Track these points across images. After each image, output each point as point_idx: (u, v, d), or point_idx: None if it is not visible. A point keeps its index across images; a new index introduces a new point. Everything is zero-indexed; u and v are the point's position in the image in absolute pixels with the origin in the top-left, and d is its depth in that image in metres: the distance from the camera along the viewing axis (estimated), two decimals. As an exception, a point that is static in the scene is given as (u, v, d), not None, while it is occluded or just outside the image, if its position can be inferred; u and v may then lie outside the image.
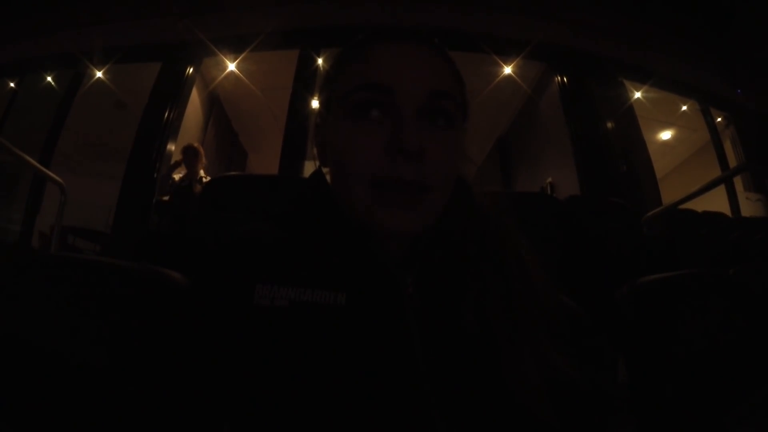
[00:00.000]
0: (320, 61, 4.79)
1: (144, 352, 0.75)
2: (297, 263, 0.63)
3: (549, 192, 5.16)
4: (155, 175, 4.69)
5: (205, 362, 0.58)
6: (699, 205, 3.28)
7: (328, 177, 0.73)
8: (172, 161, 4.81)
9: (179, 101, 5.06)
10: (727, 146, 5.85)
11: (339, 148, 0.65)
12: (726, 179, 4.49)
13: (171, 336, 0.62)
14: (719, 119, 5.96)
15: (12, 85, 6.15)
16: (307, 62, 4.86)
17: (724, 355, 0.99)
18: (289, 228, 0.69)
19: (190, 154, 4.51)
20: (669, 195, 4.50)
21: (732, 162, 5.68)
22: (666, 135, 6.62)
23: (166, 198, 4.54)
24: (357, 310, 0.60)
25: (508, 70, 5.26)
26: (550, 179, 5.33)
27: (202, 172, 4.51)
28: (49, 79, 5.94)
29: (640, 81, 5.29)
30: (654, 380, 0.99)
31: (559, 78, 5.13)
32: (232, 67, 5.43)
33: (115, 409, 0.77)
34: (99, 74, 5.55)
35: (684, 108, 6.03)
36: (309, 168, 4.45)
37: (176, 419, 0.56)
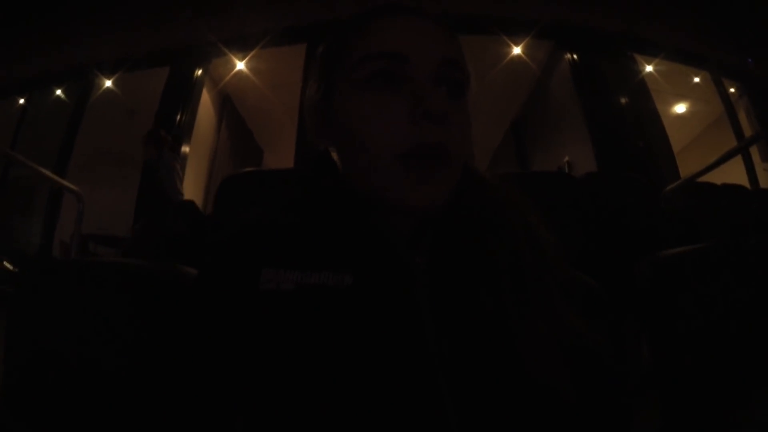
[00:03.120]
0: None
1: (160, 346, 0.75)
2: (302, 245, 0.62)
3: (567, 171, 5.10)
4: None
5: (212, 352, 0.57)
6: (717, 177, 3.23)
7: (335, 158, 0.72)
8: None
9: (190, 104, 5.09)
10: (742, 117, 5.74)
11: (354, 125, 0.63)
12: (742, 149, 4.41)
13: (182, 329, 0.62)
14: (732, 90, 5.86)
15: (21, 101, 6.24)
16: (316, 56, 4.76)
17: (747, 328, 0.98)
18: (295, 211, 0.68)
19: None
20: (686, 169, 4.45)
21: (747, 133, 5.57)
22: (680, 108, 6.51)
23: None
24: (364, 290, 0.58)
25: (517, 50, 5.21)
26: (566, 158, 5.28)
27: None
28: (59, 92, 6.04)
29: (651, 54, 5.21)
30: (676, 356, 0.98)
31: (568, 55, 5.08)
32: (240, 65, 5.44)
33: (130, 406, 0.78)
34: (108, 83, 5.60)
35: (696, 80, 5.94)
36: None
37: (188, 413, 0.56)
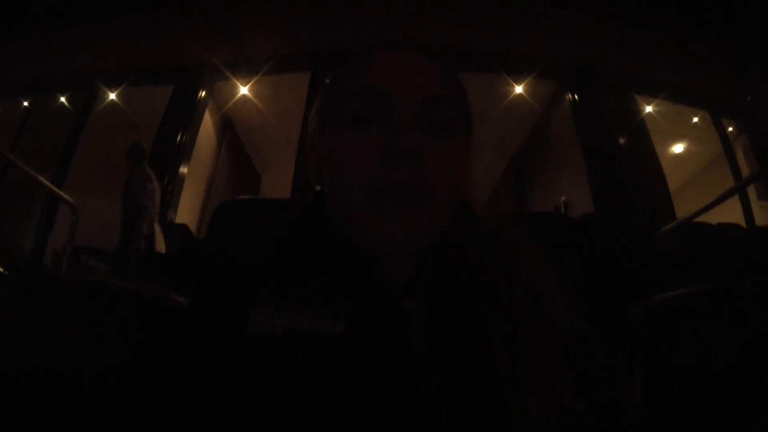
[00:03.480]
0: (331, 83, 4.73)
1: (140, 374, 0.74)
2: (293, 289, 0.59)
3: (563, 210, 5.13)
4: (168, 197, 4.69)
5: (193, 393, 0.55)
6: (714, 216, 3.24)
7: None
8: None
9: (192, 124, 5.11)
10: (740, 156, 5.80)
11: (334, 161, 0.62)
12: (739, 189, 4.45)
13: (165, 362, 0.60)
14: (730, 129, 5.93)
15: (25, 104, 6.28)
16: (319, 85, 4.78)
17: (744, 371, 0.97)
18: (287, 251, 0.66)
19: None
20: (683, 209, 4.47)
21: (745, 172, 5.64)
22: (678, 148, 6.58)
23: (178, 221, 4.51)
24: (356, 339, 0.56)
25: (519, 89, 5.27)
26: (564, 198, 5.31)
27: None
28: (62, 99, 6.07)
29: (651, 94, 5.27)
30: (671, 399, 0.97)
31: (570, 95, 5.13)
32: (244, 90, 5.48)
33: (105, 425, 0.76)
34: (112, 96, 5.64)
35: (695, 120, 6.00)
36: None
37: None
